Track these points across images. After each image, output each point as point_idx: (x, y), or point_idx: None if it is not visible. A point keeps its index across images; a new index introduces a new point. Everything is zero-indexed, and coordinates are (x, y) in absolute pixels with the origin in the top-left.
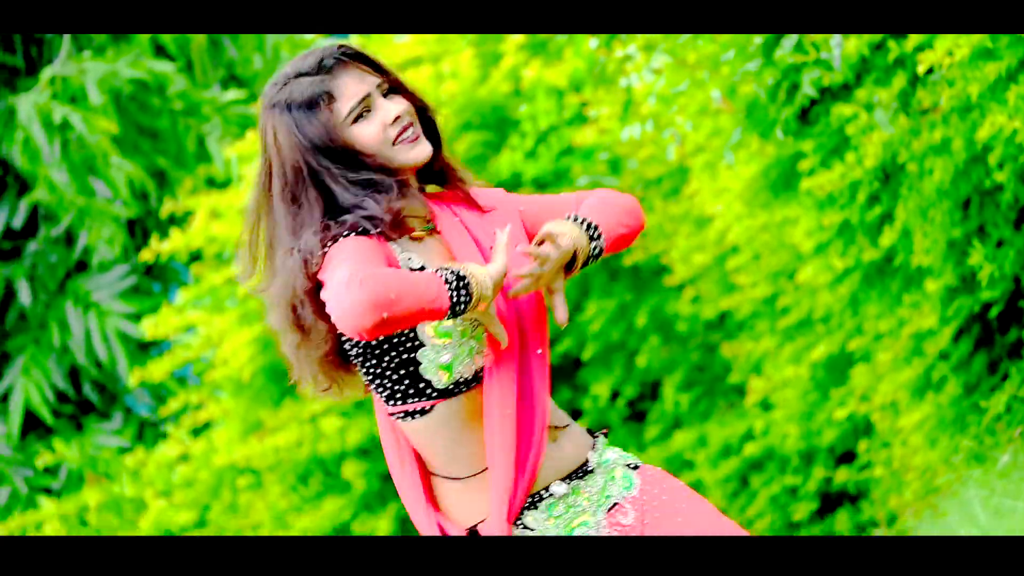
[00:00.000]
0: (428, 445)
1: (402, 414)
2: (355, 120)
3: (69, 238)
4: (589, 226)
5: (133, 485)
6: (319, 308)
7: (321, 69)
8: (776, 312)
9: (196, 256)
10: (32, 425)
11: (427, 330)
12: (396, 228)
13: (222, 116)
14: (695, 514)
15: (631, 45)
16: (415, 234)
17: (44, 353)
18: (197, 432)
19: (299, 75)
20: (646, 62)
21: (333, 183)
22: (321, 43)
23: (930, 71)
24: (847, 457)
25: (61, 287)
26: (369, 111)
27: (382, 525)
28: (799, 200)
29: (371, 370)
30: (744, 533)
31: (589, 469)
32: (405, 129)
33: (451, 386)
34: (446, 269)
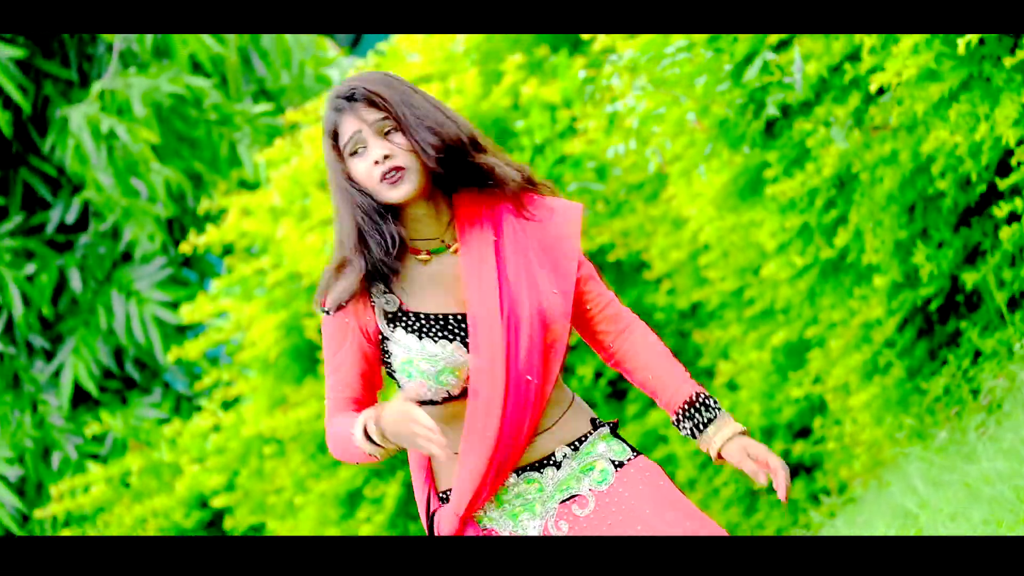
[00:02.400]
0: None
1: None
2: (353, 155)
3: (115, 233)
4: (708, 420)
5: (171, 452)
6: None
7: (336, 106)
8: (742, 303)
9: (228, 250)
10: (81, 398)
11: (395, 367)
12: (380, 273)
13: (252, 126)
14: (657, 521)
15: (615, 76)
16: (420, 257)
17: (92, 334)
18: (228, 405)
19: (327, 106)
20: (629, 85)
21: (341, 206)
22: (344, 62)
23: (881, 91)
24: (803, 432)
25: (108, 276)
26: (365, 147)
27: (391, 490)
28: (764, 204)
29: None
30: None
31: (553, 462)
32: (389, 170)
33: (429, 402)
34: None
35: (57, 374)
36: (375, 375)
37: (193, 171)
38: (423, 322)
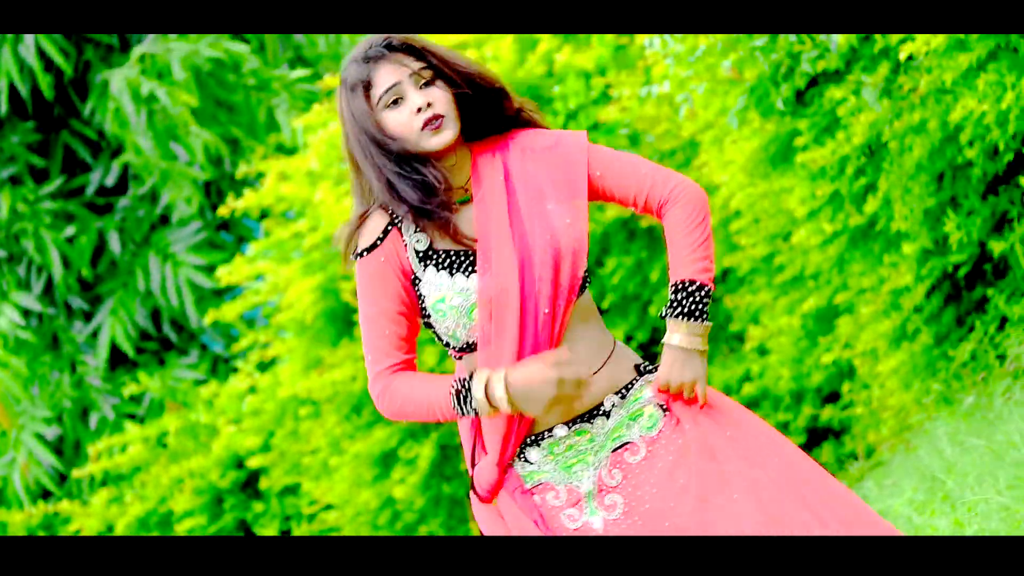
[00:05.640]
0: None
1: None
2: (389, 106)
3: (153, 196)
4: (684, 312)
5: (207, 413)
6: None
7: (367, 58)
8: (772, 269)
9: (265, 214)
10: (119, 359)
11: (428, 307)
12: (420, 214)
13: (289, 92)
14: (704, 464)
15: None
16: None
17: (130, 296)
18: (264, 367)
19: (353, 60)
20: (663, 45)
21: (368, 162)
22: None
23: (910, 59)
24: (832, 397)
25: (146, 239)
26: (402, 99)
27: (425, 451)
28: (794, 172)
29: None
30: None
31: (603, 412)
32: (430, 119)
33: (465, 346)
34: (460, 382)
35: (95, 335)
36: (415, 324)
37: (231, 135)
38: (452, 257)
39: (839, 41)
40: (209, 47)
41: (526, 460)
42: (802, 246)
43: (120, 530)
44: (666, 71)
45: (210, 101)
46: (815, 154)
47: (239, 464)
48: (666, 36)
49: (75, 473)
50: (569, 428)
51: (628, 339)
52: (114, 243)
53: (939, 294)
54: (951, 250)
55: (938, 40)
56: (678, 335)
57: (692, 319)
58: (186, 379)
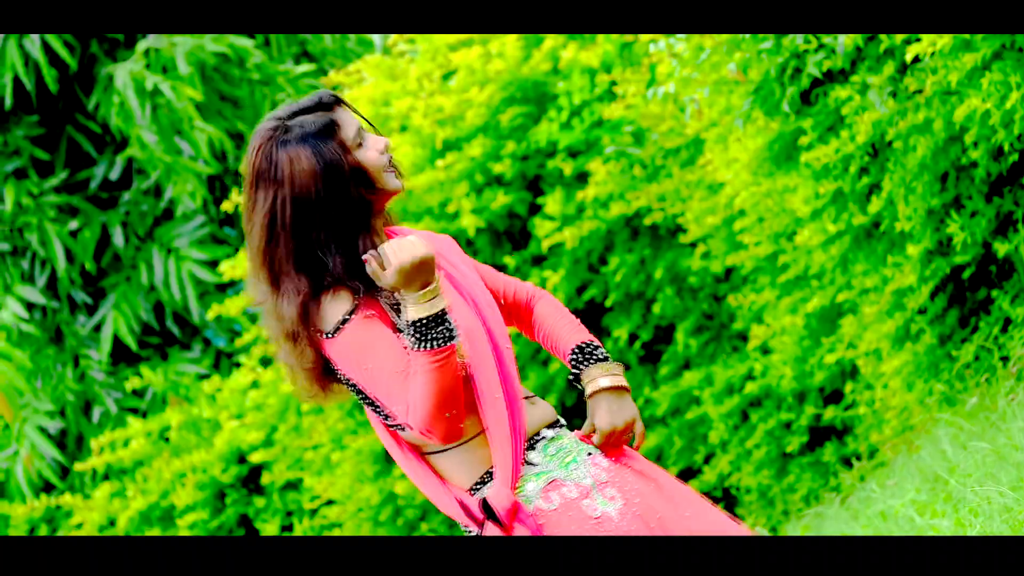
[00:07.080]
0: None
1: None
2: (358, 147)
3: (157, 190)
4: (596, 359)
5: (210, 408)
6: (310, 337)
7: (322, 106)
8: (776, 268)
9: None
10: (122, 354)
11: None
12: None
13: (294, 86)
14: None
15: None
16: None
17: (133, 290)
18: (266, 362)
19: (300, 112)
20: (669, 48)
21: (338, 216)
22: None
23: (916, 60)
24: (835, 397)
25: (149, 233)
26: (363, 143)
27: None
28: (799, 171)
29: (360, 400)
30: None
31: (561, 424)
32: (391, 160)
33: None
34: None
35: (98, 329)
36: None
37: (235, 130)
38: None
39: (844, 42)
40: (214, 42)
41: (528, 463)
42: (805, 245)
43: (122, 524)
44: (671, 69)
45: (214, 96)
46: (819, 153)
47: (241, 459)
48: (671, 39)
49: (77, 467)
50: (553, 429)
51: (632, 339)
52: (118, 237)
53: (943, 295)
54: (955, 251)
55: (943, 40)
56: (602, 377)
57: (606, 362)
58: (189, 373)
